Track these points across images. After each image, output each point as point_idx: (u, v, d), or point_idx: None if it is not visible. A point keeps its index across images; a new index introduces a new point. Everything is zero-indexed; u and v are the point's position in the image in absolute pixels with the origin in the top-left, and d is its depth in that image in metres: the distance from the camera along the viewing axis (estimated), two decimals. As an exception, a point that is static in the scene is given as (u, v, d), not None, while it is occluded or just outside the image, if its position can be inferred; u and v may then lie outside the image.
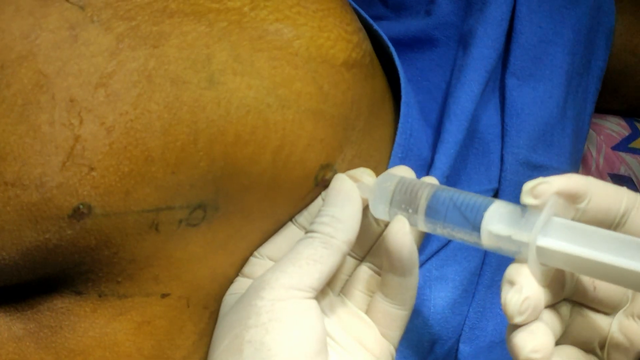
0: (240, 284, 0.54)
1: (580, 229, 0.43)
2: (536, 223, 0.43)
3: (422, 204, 0.49)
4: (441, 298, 0.65)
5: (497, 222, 0.46)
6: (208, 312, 0.53)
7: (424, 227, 0.50)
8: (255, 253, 0.54)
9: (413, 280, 0.52)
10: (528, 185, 0.44)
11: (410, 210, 0.50)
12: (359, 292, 0.55)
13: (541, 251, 0.43)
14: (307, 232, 0.51)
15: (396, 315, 0.53)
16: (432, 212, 0.49)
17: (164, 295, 0.49)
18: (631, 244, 0.41)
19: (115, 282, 0.47)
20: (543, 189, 0.43)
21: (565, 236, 0.43)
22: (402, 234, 0.49)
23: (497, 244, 0.46)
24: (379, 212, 0.52)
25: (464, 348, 0.68)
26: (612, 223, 0.45)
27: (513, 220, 0.45)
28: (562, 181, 0.43)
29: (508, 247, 0.45)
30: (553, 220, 0.44)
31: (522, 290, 0.43)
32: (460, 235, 0.48)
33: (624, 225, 0.44)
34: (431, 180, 0.53)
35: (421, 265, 0.64)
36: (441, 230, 0.49)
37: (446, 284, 0.65)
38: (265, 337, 0.47)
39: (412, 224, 0.50)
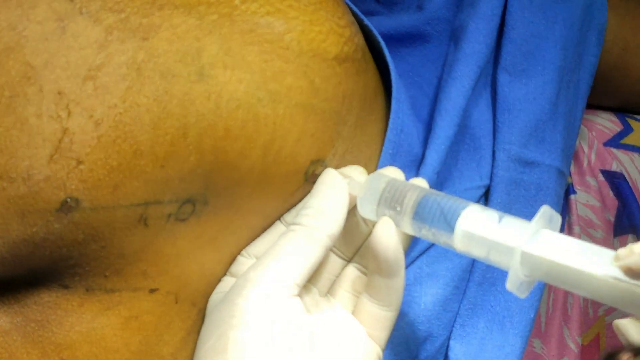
0: (227, 283, 0.53)
1: (567, 241, 0.43)
2: (524, 230, 0.43)
3: (410, 207, 0.49)
4: (432, 295, 0.65)
5: (471, 223, 0.46)
6: (196, 309, 0.53)
7: (410, 230, 0.50)
8: (243, 252, 0.54)
9: (399, 281, 0.52)
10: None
11: (397, 212, 0.50)
12: (345, 292, 0.55)
13: (526, 258, 0.43)
14: (290, 224, 0.51)
15: (382, 316, 0.53)
16: (419, 215, 0.49)
17: (152, 291, 0.49)
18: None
19: (103, 277, 0.47)
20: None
21: (551, 247, 0.43)
22: (387, 235, 0.49)
23: (468, 248, 0.46)
24: (367, 212, 0.52)
25: (454, 345, 0.68)
26: None
27: (491, 225, 0.45)
28: None
29: (479, 251, 0.45)
30: (541, 232, 0.44)
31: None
32: (444, 239, 0.47)
33: None
34: (420, 182, 0.53)
35: (412, 262, 0.64)
36: (426, 233, 0.49)
37: (437, 280, 0.65)
38: (250, 336, 0.47)
39: (399, 226, 0.50)
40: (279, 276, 0.48)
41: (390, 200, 0.50)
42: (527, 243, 0.43)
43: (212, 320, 0.50)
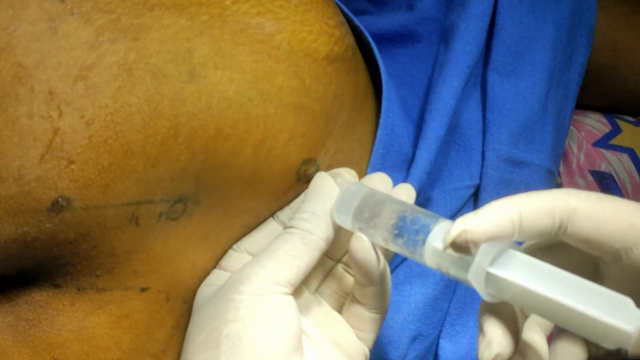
0: (216, 276, 0.53)
1: (534, 265, 0.42)
2: (490, 249, 0.43)
3: (384, 224, 0.49)
4: (422, 294, 0.65)
5: (439, 241, 0.46)
6: (186, 306, 0.53)
7: (385, 245, 0.50)
8: (234, 246, 0.54)
9: (385, 287, 0.52)
10: (447, 239, 0.42)
11: (371, 228, 0.49)
12: (334, 292, 0.55)
13: (491, 279, 0.43)
14: (285, 227, 0.51)
15: (370, 318, 0.53)
16: (390, 232, 0.48)
17: (143, 289, 0.49)
18: (580, 286, 0.41)
19: (94, 276, 0.47)
20: (465, 239, 0.42)
21: (519, 269, 0.42)
22: (363, 251, 0.50)
23: (438, 265, 0.46)
24: (342, 222, 0.51)
25: (444, 344, 0.68)
26: (549, 235, 0.44)
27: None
28: (488, 230, 0.42)
29: (447, 269, 0.45)
30: (508, 252, 0.44)
31: (492, 346, 0.43)
32: (417, 256, 0.47)
33: (564, 233, 0.43)
34: (407, 188, 0.54)
35: (402, 261, 0.64)
36: (400, 249, 0.49)
37: (427, 280, 0.65)
38: (243, 332, 0.47)
39: (374, 240, 0.50)
40: (275, 275, 0.49)
41: (365, 215, 0.50)
42: (490, 264, 0.43)
43: (204, 314, 0.50)
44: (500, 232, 0.42)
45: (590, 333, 0.40)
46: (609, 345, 0.39)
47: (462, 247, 0.42)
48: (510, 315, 0.45)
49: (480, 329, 0.45)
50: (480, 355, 0.44)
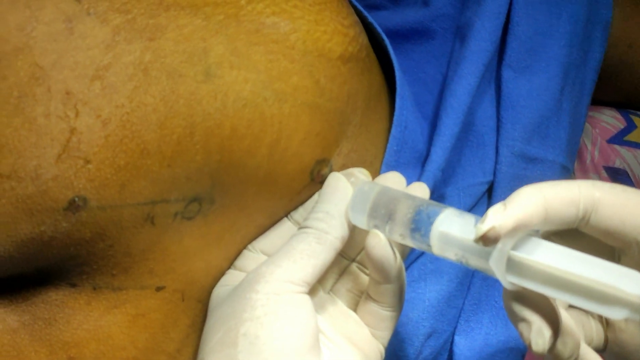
0: (231, 277, 0.54)
1: (555, 249, 0.43)
2: (507, 239, 0.43)
3: (399, 219, 0.49)
4: (436, 291, 0.65)
5: (449, 226, 0.46)
6: (201, 305, 0.53)
7: (401, 240, 0.50)
8: (249, 246, 0.54)
9: (400, 284, 0.53)
10: (479, 232, 0.43)
11: (387, 225, 0.50)
12: (348, 291, 0.56)
13: (513, 264, 0.43)
14: (300, 227, 0.51)
15: (385, 316, 0.53)
16: (406, 226, 0.48)
17: (158, 289, 0.49)
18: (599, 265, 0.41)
19: (110, 275, 0.47)
20: (497, 234, 0.42)
21: (541, 253, 0.43)
22: (379, 248, 0.50)
23: (445, 252, 0.46)
24: (357, 221, 0.51)
25: (459, 340, 0.68)
26: (572, 225, 0.45)
27: (467, 228, 0.45)
28: (518, 222, 0.42)
29: (455, 255, 0.45)
30: (527, 238, 0.44)
31: (543, 331, 0.44)
32: (428, 247, 0.47)
33: (586, 224, 0.44)
34: (420, 187, 0.54)
35: (416, 259, 0.64)
36: (416, 243, 0.49)
37: (441, 277, 0.65)
38: (260, 330, 0.47)
39: (391, 236, 0.50)
40: (291, 274, 0.49)
41: (380, 211, 0.50)
42: (511, 249, 0.43)
43: (220, 313, 0.50)
44: (529, 223, 0.43)
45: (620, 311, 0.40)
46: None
47: (492, 240, 0.42)
48: (542, 299, 0.45)
49: (519, 320, 0.45)
50: (534, 344, 0.44)
